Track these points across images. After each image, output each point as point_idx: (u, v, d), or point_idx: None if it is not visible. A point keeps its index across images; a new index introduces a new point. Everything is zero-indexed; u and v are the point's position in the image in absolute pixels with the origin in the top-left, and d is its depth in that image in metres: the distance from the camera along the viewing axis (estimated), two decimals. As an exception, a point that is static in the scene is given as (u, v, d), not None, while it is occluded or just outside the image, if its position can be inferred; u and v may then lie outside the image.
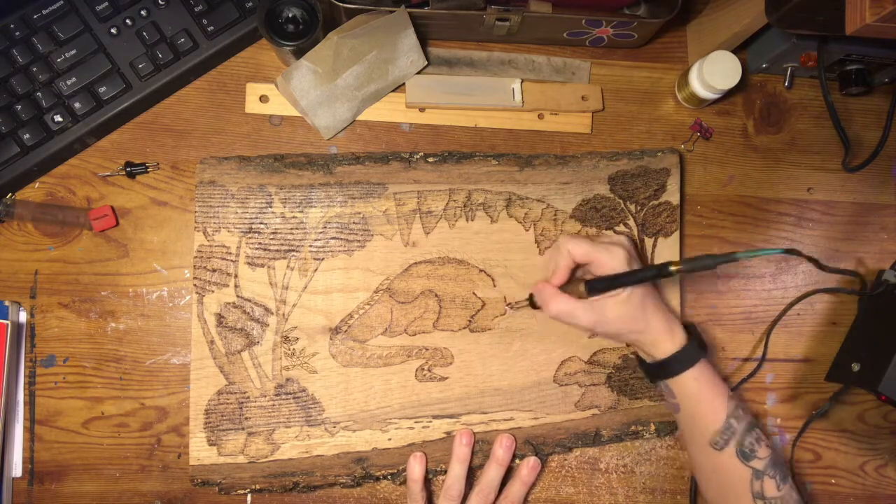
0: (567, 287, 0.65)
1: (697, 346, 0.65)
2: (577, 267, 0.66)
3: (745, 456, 0.63)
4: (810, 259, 0.61)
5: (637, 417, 0.74)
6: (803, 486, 0.78)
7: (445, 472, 0.70)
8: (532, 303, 0.69)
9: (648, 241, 0.75)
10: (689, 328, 0.67)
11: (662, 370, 0.65)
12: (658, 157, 0.75)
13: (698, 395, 0.64)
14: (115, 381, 0.69)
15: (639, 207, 0.75)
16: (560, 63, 0.78)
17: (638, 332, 0.65)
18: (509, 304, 0.72)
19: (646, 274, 0.61)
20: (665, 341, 0.64)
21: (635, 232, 0.74)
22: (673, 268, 0.57)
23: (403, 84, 0.74)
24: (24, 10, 0.66)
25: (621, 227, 0.74)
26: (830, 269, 0.69)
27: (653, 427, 0.74)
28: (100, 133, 0.70)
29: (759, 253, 0.55)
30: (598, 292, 0.63)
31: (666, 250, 0.75)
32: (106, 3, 0.67)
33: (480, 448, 0.70)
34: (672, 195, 0.75)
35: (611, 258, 0.63)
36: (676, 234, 0.75)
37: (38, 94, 0.66)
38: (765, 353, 0.78)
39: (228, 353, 0.67)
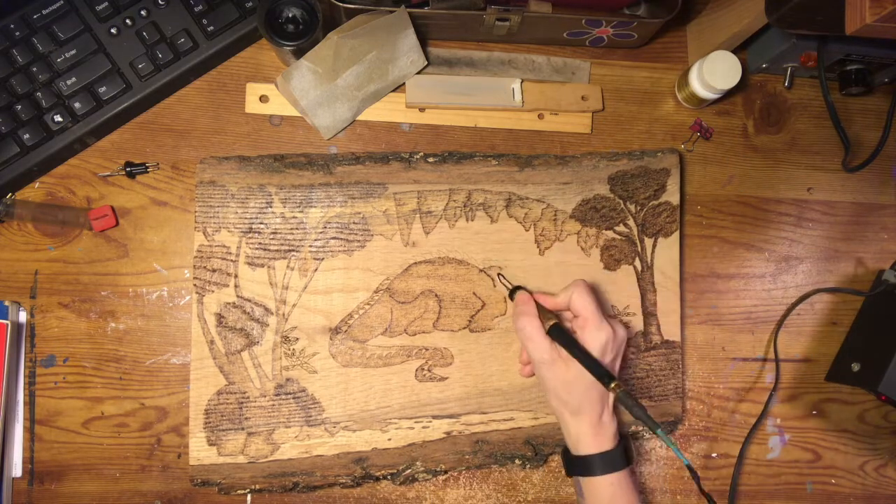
0: (540, 309, 0.64)
1: (623, 454, 0.63)
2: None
3: None
4: (700, 489, 0.61)
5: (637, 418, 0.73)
6: (803, 486, 0.78)
7: (445, 472, 0.70)
8: (511, 295, 0.68)
9: (648, 241, 0.75)
10: (622, 437, 0.65)
11: (582, 466, 0.64)
12: (658, 158, 0.75)
13: (610, 502, 0.63)
14: (115, 381, 0.69)
15: (639, 207, 0.75)
16: (560, 63, 0.78)
17: (567, 406, 0.63)
18: (500, 275, 0.71)
19: (592, 366, 0.59)
20: (594, 436, 0.63)
21: (635, 232, 0.74)
22: (613, 385, 0.57)
23: (403, 84, 0.74)
24: (24, 10, 0.66)
25: (621, 227, 0.74)
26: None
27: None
28: (100, 133, 0.70)
29: (670, 445, 0.56)
30: (554, 339, 0.62)
31: (666, 250, 0.75)
32: (106, 3, 0.67)
33: (480, 448, 0.70)
34: (672, 195, 0.75)
35: (593, 329, 0.61)
36: (676, 235, 0.75)
37: (38, 94, 0.66)
38: (777, 356, 0.78)
39: (228, 353, 0.67)
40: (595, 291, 0.65)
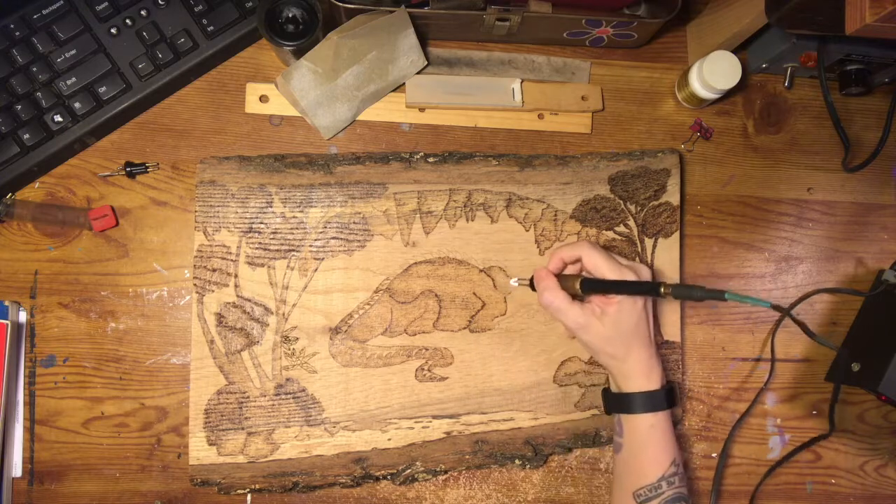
0: (563, 280, 0.64)
1: (667, 396, 0.63)
2: (578, 262, 0.65)
3: None
4: (797, 322, 0.61)
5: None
6: (803, 486, 0.78)
7: (445, 472, 0.70)
8: (532, 284, 0.67)
9: (648, 242, 0.75)
10: (670, 384, 0.66)
11: (623, 404, 0.64)
12: (658, 158, 0.75)
13: (646, 442, 0.63)
14: (115, 381, 0.69)
15: (639, 208, 0.75)
16: (560, 63, 0.78)
17: (615, 358, 0.63)
18: (514, 279, 0.71)
19: (639, 288, 0.60)
20: (638, 377, 0.63)
21: (635, 232, 0.74)
22: (664, 290, 0.57)
23: (403, 84, 0.74)
24: (24, 10, 0.66)
25: (621, 228, 0.74)
26: (818, 338, 0.68)
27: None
28: (100, 133, 0.70)
29: (747, 300, 0.54)
30: (592, 292, 0.62)
31: (666, 251, 0.75)
32: (106, 3, 0.67)
33: (480, 448, 0.70)
34: (672, 196, 0.75)
35: (617, 275, 0.61)
36: (676, 235, 0.75)
37: (38, 94, 0.66)
38: (773, 355, 0.78)
39: (228, 352, 0.67)
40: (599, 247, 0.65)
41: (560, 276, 0.64)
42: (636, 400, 0.63)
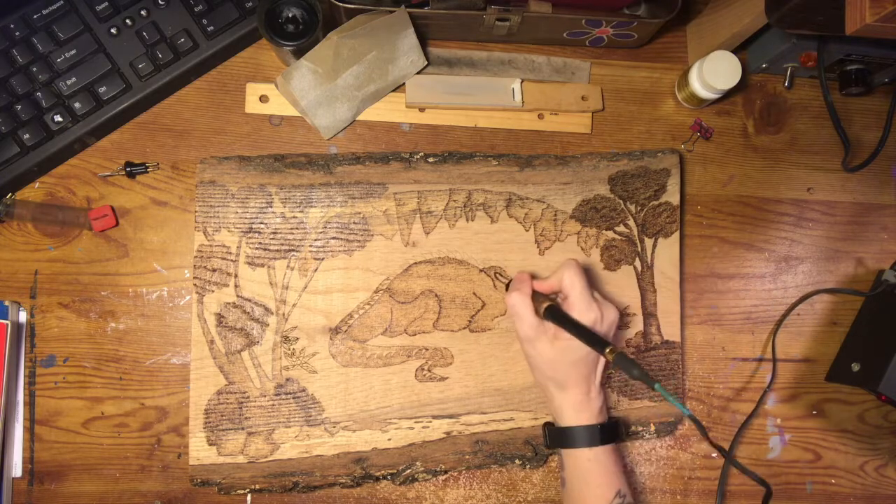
0: (536, 297, 0.64)
1: (608, 431, 0.63)
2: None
3: None
4: (698, 424, 0.60)
5: (637, 418, 0.74)
6: (803, 486, 0.78)
7: (445, 472, 0.70)
8: (508, 284, 0.68)
9: (648, 242, 0.75)
10: (614, 421, 0.66)
11: (562, 438, 0.64)
12: (658, 158, 0.75)
13: (587, 476, 0.63)
14: (115, 381, 0.69)
15: (639, 208, 0.75)
16: (560, 63, 0.78)
17: (552, 382, 0.64)
18: (497, 274, 0.71)
19: (589, 338, 0.59)
20: (574, 411, 0.63)
21: (635, 232, 0.74)
22: (608, 351, 0.56)
23: (403, 84, 0.74)
24: (24, 10, 0.66)
25: (621, 228, 0.74)
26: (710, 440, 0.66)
27: (653, 427, 0.74)
28: (100, 133, 0.70)
29: (670, 399, 0.53)
30: (550, 320, 0.62)
31: (666, 250, 0.75)
32: (106, 3, 0.67)
33: (480, 448, 0.70)
34: (672, 195, 0.75)
35: (582, 310, 0.61)
36: (676, 235, 0.75)
37: (38, 94, 0.66)
38: (774, 356, 0.78)
39: (228, 352, 0.67)
40: (587, 273, 0.65)
41: (535, 292, 0.64)
42: (576, 434, 0.63)
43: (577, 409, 0.63)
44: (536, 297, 0.64)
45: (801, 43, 0.72)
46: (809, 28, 0.63)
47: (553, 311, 0.62)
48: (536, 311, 0.63)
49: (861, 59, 0.74)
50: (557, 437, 0.65)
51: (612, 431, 0.64)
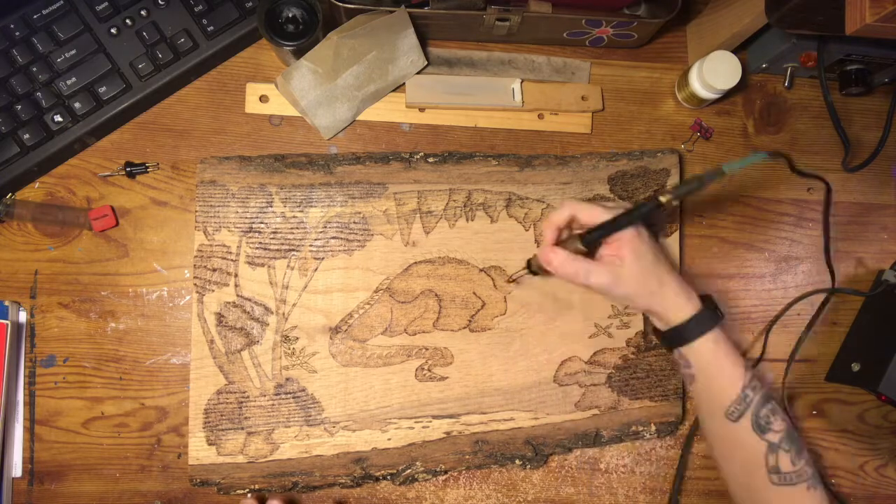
0: (565, 244, 0.63)
1: (713, 314, 0.63)
2: (567, 228, 0.64)
3: (760, 428, 0.61)
4: (786, 157, 0.60)
5: (637, 418, 0.74)
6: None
7: (445, 472, 0.70)
8: (531, 269, 0.67)
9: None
10: (705, 297, 0.65)
11: (678, 337, 0.63)
12: (658, 158, 0.75)
13: (714, 363, 0.62)
14: (115, 381, 0.69)
15: (639, 207, 0.75)
16: (560, 63, 0.78)
17: (651, 295, 0.62)
18: (510, 277, 0.71)
19: (640, 211, 0.59)
20: (680, 306, 0.63)
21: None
22: (663, 198, 0.55)
23: (403, 84, 0.74)
24: (24, 10, 0.66)
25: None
26: (801, 172, 0.69)
27: (653, 427, 0.74)
28: (100, 133, 0.70)
29: (744, 162, 0.52)
30: (596, 241, 0.61)
31: (666, 250, 0.75)
32: (106, 3, 0.67)
33: (480, 448, 0.70)
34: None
35: (599, 212, 0.61)
36: (676, 234, 0.75)
37: (38, 94, 0.66)
38: (763, 353, 0.78)
39: (228, 352, 0.67)
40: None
41: (558, 243, 0.63)
42: (689, 328, 0.62)
43: (681, 303, 0.63)
44: (565, 243, 0.63)
45: (801, 43, 0.72)
46: (809, 28, 0.63)
47: (590, 233, 0.61)
48: (578, 252, 0.61)
49: (861, 59, 0.74)
50: (676, 336, 0.64)
51: (714, 309, 0.64)
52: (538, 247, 0.73)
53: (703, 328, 0.62)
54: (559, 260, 0.61)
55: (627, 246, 0.61)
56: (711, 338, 0.62)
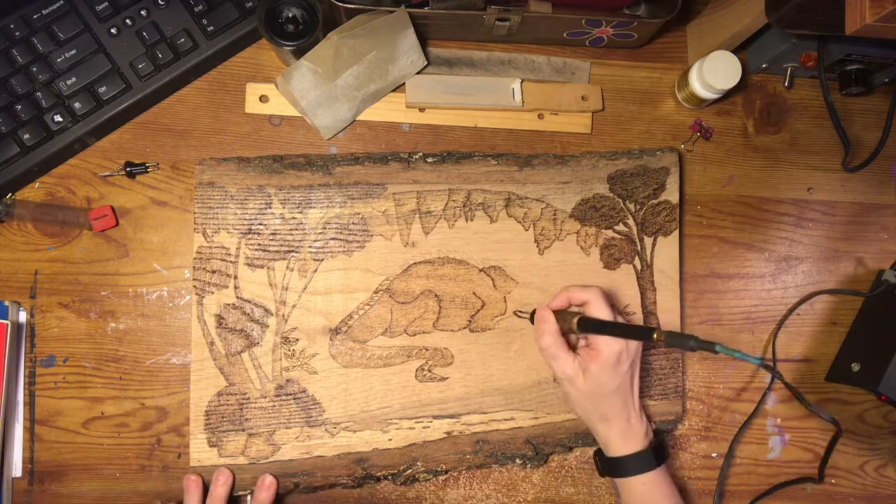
0: (561, 316, 0.64)
1: (655, 454, 0.64)
2: (583, 305, 0.65)
3: None
4: (788, 387, 0.60)
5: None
6: (803, 486, 0.78)
7: (445, 471, 0.70)
8: (532, 319, 0.68)
9: (648, 240, 0.75)
10: (656, 433, 0.67)
11: (613, 467, 0.65)
12: (657, 157, 0.75)
13: (643, 501, 0.64)
14: (115, 381, 0.69)
15: (638, 206, 0.75)
16: (560, 63, 0.78)
17: (599, 418, 0.64)
18: (517, 311, 0.72)
19: (633, 332, 0.61)
20: (623, 439, 0.64)
21: (635, 231, 0.74)
22: (656, 336, 0.56)
23: (403, 84, 0.74)
24: (24, 10, 0.66)
25: (621, 227, 0.74)
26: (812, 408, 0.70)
27: (654, 426, 0.73)
28: (100, 133, 0.70)
29: (736, 355, 0.53)
30: (587, 332, 0.62)
31: (665, 249, 0.75)
32: (106, 3, 0.67)
33: (481, 448, 0.70)
34: (671, 194, 0.75)
35: (608, 340, 0.61)
36: (676, 233, 0.75)
37: (38, 94, 0.66)
38: (774, 356, 0.78)
39: (228, 354, 0.67)
40: (610, 298, 0.65)
41: (559, 313, 0.65)
42: (626, 463, 0.64)
43: (624, 438, 0.64)
44: (561, 316, 0.64)
45: (801, 43, 0.72)
46: (809, 28, 0.63)
47: (585, 320, 0.62)
48: (570, 330, 0.63)
49: (861, 59, 0.74)
50: (609, 466, 0.66)
51: (660, 452, 0.65)
52: (537, 246, 0.73)
53: (639, 468, 0.64)
54: (548, 335, 0.63)
55: (597, 364, 0.62)
56: (644, 478, 0.63)
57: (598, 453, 0.68)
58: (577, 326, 0.62)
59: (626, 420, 0.64)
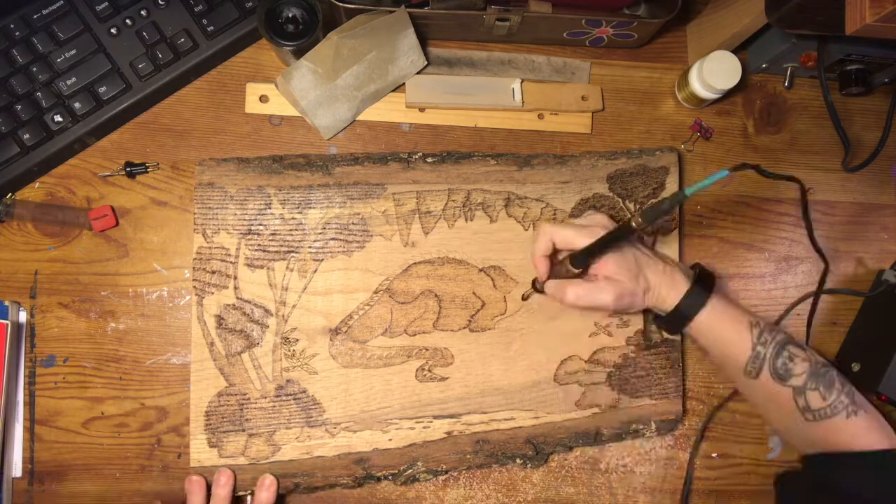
0: (556, 271, 0.65)
1: (701, 288, 0.64)
2: (553, 254, 0.66)
3: (780, 377, 0.62)
4: (754, 167, 0.62)
5: (638, 416, 0.74)
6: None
7: (446, 472, 0.70)
8: (537, 289, 0.68)
9: (647, 239, 0.75)
10: (695, 268, 0.67)
11: (676, 320, 0.65)
12: (656, 156, 0.75)
13: (719, 331, 0.64)
14: (115, 381, 0.69)
15: (638, 206, 0.75)
16: (560, 63, 0.78)
17: (647, 292, 0.64)
18: (523, 295, 0.72)
19: (616, 235, 0.60)
20: (668, 292, 0.64)
21: (635, 231, 0.74)
22: (635, 224, 0.56)
23: (403, 84, 0.74)
24: (24, 10, 0.66)
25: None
26: (773, 175, 0.71)
27: (653, 425, 0.74)
28: (100, 133, 0.70)
29: (707, 182, 0.52)
30: (583, 263, 0.62)
31: (665, 248, 0.75)
32: (106, 3, 0.67)
33: (481, 448, 0.70)
34: (671, 193, 0.75)
35: (585, 236, 0.62)
36: (675, 232, 0.75)
37: (38, 94, 0.66)
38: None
39: (228, 354, 0.67)
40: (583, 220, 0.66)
41: (552, 269, 0.65)
42: (682, 309, 0.64)
43: (668, 289, 0.65)
44: (556, 271, 0.65)
45: (801, 43, 0.72)
46: (809, 28, 0.63)
47: (575, 257, 0.62)
48: (570, 274, 0.63)
49: (861, 59, 0.74)
50: (676, 321, 0.66)
51: (705, 279, 0.65)
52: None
53: (698, 303, 0.64)
54: (569, 288, 0.63)
55: (610, 265, 0.63)
56: (708, 309, 0.64)
57: (658, 318, 0.69)
58: (571, 265, 0.63)
59: (662, 272, 0.65)
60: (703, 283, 0.65)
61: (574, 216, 0.73)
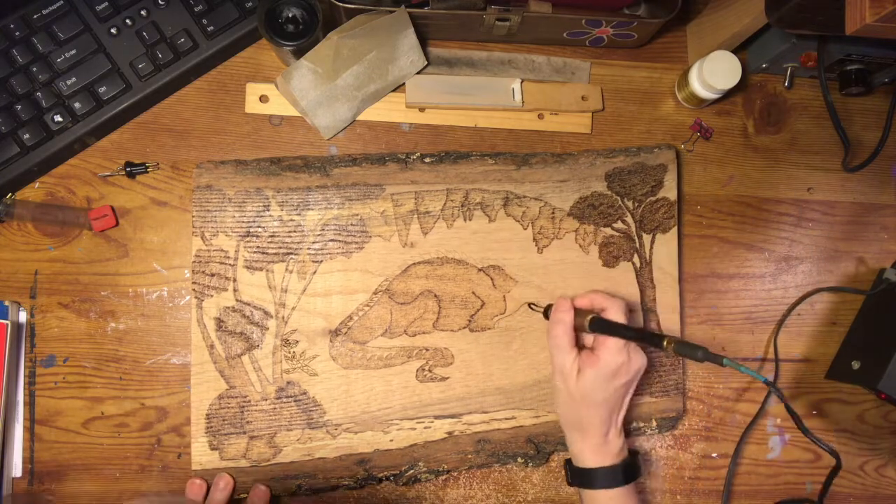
0: (577, 312, 0.64)
1: (625, 472, 0.64)
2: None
3: None
4: (789, 410, 0.61)
5: (639, 414, 0.74)
6: (803, 486, 0.78)
7: (447, 472, 0.70)
8: (546, 313, 0.68)
9: (647, 238, 0.75)
10: (632, 452, 0.67)
11: (582, 477, 0.65)
12: (655, 154, 0.75)
13: None
14: (115, 381, 0.69)
15: (636, 204, 0.75)
16: (560, 63, 0.78)
17: (576, 429, 0.64)
18: (531, 304, 0.72)
19: (644, 335, 0.61)
20: (596, 453, 0.64)
21: (633, 228, 0.74)
22: (666, 343, 0.56)
23: (403, 84, 0.74)
24: (24, 10, 0.66)
25: (619, 224, 0.74)
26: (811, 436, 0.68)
27: (654, 423, 0.74)
28: (100, 133, 0.70)
29: (742, 369, 0.54)
30: (599, 332, 0.62)
31: (664, 246, 0.75)
32: (106, 3, 0.67)
33: (482, 447, 0.70)
34: (669, 191, 0.75)
35: (612, 351, 0.61)
36: (675, 230, 0.75)
37: (38, 94, 0.66)
38: (777, 356, 0.78)
39: (229, 357, 0.67)
40: (632, 312, 0.65)
41: (576, 310, 0.65)
42: (595, 476, 0.64)
43: (596, 453, 0.64)
44: (578, 313, 0.64)
45: (801, 43, 0.72)
46: (809, 28, 0.63)
47: (598, 320, 0.62)
48: (582, 327, 0.63)
49: (861, 59, 0.74)
50: (578, 476, 0.66)
51: (631, 470, 0.65)
52: (535, 245, 0.73)
53: (606, 483, 0.64)
54: (561, 326, 0.63)
55: (600, 364, 0.62)
56: (613, 494, 0.63)
57: (569, 462, 0.68)
58: (588, 324, 0.62)
59: (604, 435, 0.64)
60: (629, 470, 0.65)
61: (573, 215, 0.73)
